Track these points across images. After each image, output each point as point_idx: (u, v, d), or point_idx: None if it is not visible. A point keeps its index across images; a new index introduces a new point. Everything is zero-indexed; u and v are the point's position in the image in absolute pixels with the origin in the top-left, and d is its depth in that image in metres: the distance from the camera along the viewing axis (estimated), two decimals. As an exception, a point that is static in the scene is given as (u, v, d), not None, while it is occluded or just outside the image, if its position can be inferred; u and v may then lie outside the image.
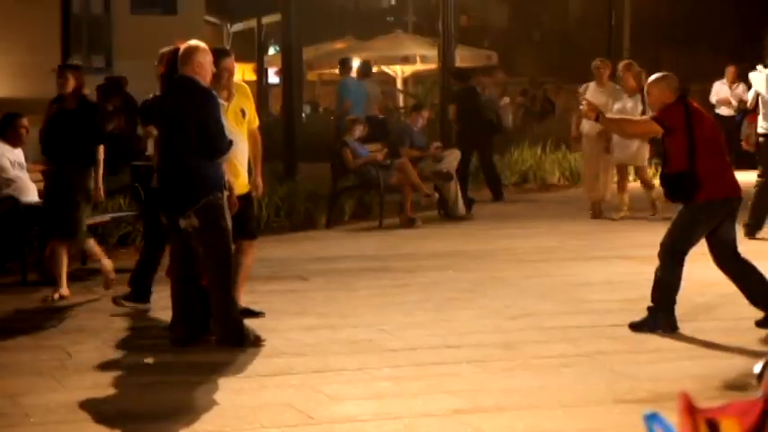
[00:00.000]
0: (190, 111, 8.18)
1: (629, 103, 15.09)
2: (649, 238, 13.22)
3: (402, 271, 11.68)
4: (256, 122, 9.41)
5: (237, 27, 34.66)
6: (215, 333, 8.40)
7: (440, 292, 10.46)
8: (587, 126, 15.28)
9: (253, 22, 33.34)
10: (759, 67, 13.56)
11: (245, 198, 9.15)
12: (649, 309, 8.74)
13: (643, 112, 13.79)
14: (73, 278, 10.85)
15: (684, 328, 8.73)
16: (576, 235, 14.21)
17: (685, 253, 8.71)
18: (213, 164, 8.26)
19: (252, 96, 9.46)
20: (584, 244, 13.44)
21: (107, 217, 12.50)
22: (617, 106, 15.03)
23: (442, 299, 10.18)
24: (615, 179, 15.98)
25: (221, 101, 9.01)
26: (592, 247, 13.23)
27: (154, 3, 25.09)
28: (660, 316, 8.69)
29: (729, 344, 8.35)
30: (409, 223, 15.38)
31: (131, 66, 23.79)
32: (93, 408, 6.87)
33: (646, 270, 9.69)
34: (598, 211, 15.76)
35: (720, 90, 22.61)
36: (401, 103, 27.58)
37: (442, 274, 11.46)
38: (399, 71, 29.54)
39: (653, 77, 9.00)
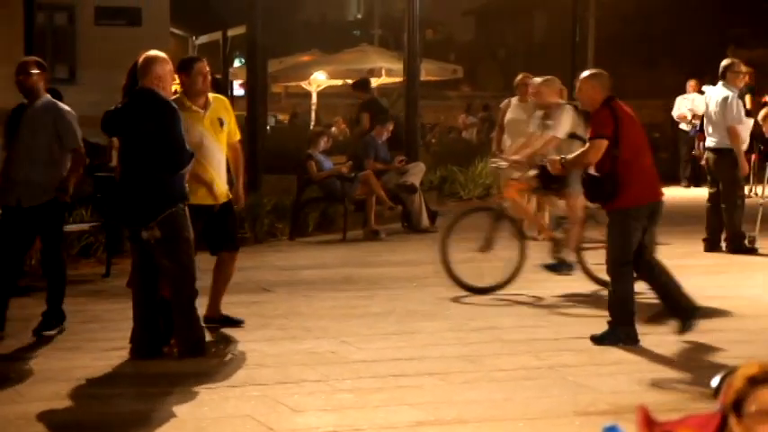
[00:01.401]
0: (150, 124, 8.13)
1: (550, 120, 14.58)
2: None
3: (365, 283, 11.67)
4: (237, 136, 9.42)
5: (203, 39, 34.55)
6: (176, 345, 8.36)
7: (403, 305, 10.45)
8: (508, 143, 14.52)
9: (218, 35, 33.23)
10: (720, 83, 13.69)
11: (226, 208, 9.16)
12: (609, 323, 8.78)
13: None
14: (35, 289, 10.76)
15: (645, 340, 8.76)
16: (539, 247, 14.21)
17: (630, 263, 8.74)
18: (175, 175, 8.23)
19: (231, 109, 9.46)
20: (545, 256, 13.44)
21: (69, 227, 12.40)
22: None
23: (404, 311, 10.17)
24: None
25: (197, 108, 9.02)
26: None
27: (118, 14, 24.97)
28: (620, 329, 8.72)
29: (690, 357, 8.41)
30: (373, 235, 15.39)
31: (95, 77, 23.72)
32: (52, 419, 6.82)
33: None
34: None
35: (681, 105, 22.77)
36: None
37: (406, 287, 11.45)
38: (365, 84, 29.52)
39: (585, 74, 9.04)
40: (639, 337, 8.71)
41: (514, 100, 14.96)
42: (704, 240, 13.84)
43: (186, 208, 8.27)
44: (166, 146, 8.12)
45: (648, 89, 21.28)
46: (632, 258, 8.72)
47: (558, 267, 11.34)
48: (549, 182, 10.90)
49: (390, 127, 16.82)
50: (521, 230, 11.23)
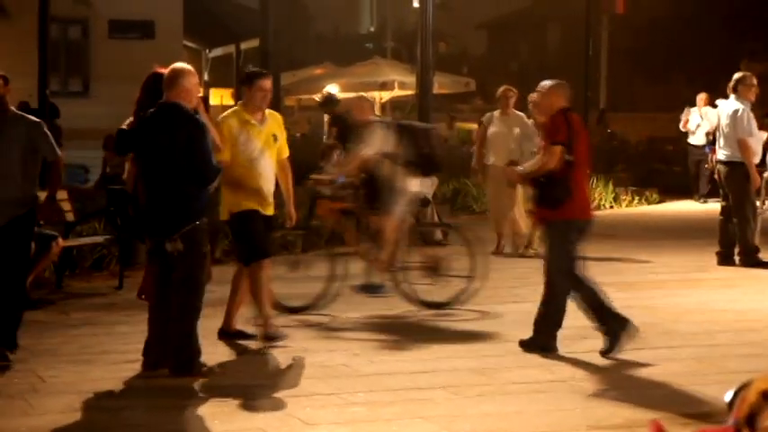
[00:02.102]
0: (179, 138, 8.09)
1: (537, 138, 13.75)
2: (630, 266, 13.29)
3: (378, 298, 11.63)
4: (286, 152, 9.52)
5: (216, 52, 34.66)
6: (169, 359, 8.18)
7: (416, 318, 10.44)
8: (492, 157, 14.47)
9: (231, 48, 33.34)
10: (732, 97, 13.67)
11: (267, 223, 9.28)
12: (606, 332, 8.81)
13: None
14: (47, 302, 10.80)
15: (660, 354, 8.74)
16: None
17: (573, 272, 8.81)
18: (201, 189, 8.23)
19: (283, 126, 9.55)
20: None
21: (83, 240, 12.45)
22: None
23: (417, 325, 10.16)
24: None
25: (255, 122, 9.07)
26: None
27: (132, 28, 25.08)
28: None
29: (703, 371, 8.37)
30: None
31: (109, 90, 23.80)
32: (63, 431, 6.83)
33: (623, 296, 9.73)
34: (501, 246, 14.81)
35: (693, 119, 22.63)
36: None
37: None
38: (378, 97, 29.58)
39: (549, 83, 9.13)
40: (656, 350, 8.68)
41: (496, 113, 14.76)
42: (717, 254, 13.80)
43: (206, 222, 8.29)
44: (195, 160, 8.08)
45: (662, 102, 21.18)
46: (576, 267, 8.81)
47: (370, 289, 11.09)
48: (372, 201, 10.85)
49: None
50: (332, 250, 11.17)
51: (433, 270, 11.01)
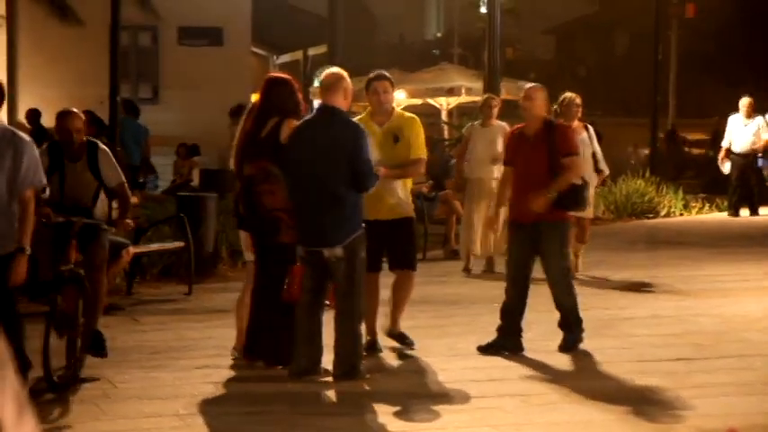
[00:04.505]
0: (344, 144, 8.08)
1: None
2: (699, 273, 13.15)
3: (445, 303, 11.64)
4: (418, 152, 9.14)
5: (284, 59, 34.85)
6: (336, 364, 8.20)
7: (483, 325, 10.39)
8: (471, 172, 13.44)
9: (299, 54, 33.51)
10: None
11: (400, 225, 9.05)
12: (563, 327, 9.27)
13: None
14: (118, 308, 10.90)
15: (731, 364, 8.64)
16: (624, 268, 14.11)
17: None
18: (360, 197, 8.24)
19: (417, 127, 9.19)
20: (631, 275, 13.35)
21: (153, 247, 12.55)
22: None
23: (484, 332, 10.11)
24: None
25: (373, 123, 9.08)
26: (640, 279, 13.13)
27: (201, 34, 25.28)
28: (578, 334, 9.28)
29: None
30: (453, 255, 15.34)
31: (178, 96, 24.05)
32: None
33: (690, 305, 9.65)
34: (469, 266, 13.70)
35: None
36: (446, 135, 27.57)
37: (486, 307, 11.37)
38: (444, 103, 29.56)
39: (538, 85, 9.52)
40: (721, 360, 8.59)
41: (477, 124, 13.73)
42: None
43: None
44: (358, 168, 8.08)
45: (731, 107, 20.85)
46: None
47: None
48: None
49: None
50: None
51: None
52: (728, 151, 20.17)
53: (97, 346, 8.53)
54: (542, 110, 9.33)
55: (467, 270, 13.67)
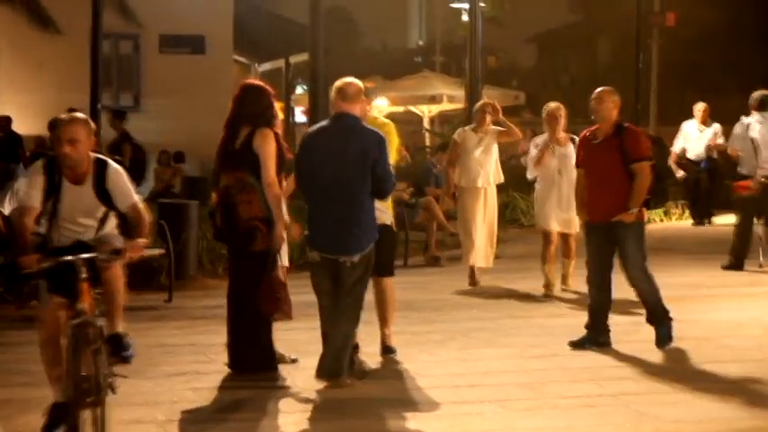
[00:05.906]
0: (369, 151, 8.06)
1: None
2: (680, 280, 13.17)
3: (426, 310, 11.63)
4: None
5: (265, 66, 34.85)
6: (323, 364, 8.18)
7: (463, 332, 10.41)
8: (463, 179, 12.96)
9: (281, 62, 33.52)
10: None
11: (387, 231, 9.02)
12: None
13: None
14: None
15: (710, 369, 8.66)
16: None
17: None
18: (373, 203, 8.26)
19: (394, 134, 9.17)
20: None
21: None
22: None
23: (465, 338, 10.13)
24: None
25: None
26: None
27: (182, 42, 25.24)
28: (666, 325, 9.48)
29: (755, 388, 8.28)
30: (434, 261, 15.36)
31: (160, 104, 23.99)
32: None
33: (672, 311, 9.64)
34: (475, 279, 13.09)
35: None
36: (428, 142, 27.62)
37: (467, 314, 11.41)
38: (426, 110, 29.63)
39: (608, 89, 9.56)
40: (705, 366, 8.63)
41: (468, 129, 13.30)
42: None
43: None
44: (379, 174, 8.08)
45: (713, 115, 20.84)
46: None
47: None
48: None
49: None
50: None
51: None
52: (679, 157, 19.58)
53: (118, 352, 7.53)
54: (612, 112, 9.37)
55: (474, 284, 13.03)
